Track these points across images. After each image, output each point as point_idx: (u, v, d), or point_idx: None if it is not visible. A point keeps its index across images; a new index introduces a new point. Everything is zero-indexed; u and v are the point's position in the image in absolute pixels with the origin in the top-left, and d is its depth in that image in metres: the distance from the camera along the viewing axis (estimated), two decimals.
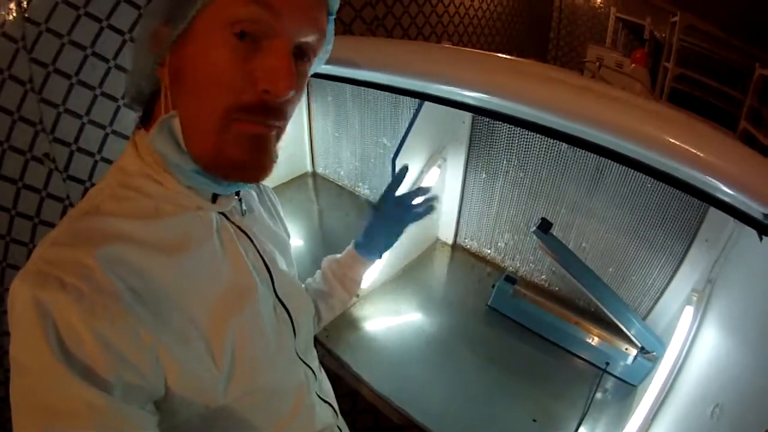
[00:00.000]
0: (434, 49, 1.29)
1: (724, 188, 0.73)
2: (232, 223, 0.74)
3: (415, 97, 1.16)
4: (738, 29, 3.66)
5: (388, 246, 1.17)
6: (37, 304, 0.49)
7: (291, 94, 0.59)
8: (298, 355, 0.86)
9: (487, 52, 1.10)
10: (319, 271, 1.18)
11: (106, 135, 1.54)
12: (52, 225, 1.53)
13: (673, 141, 0.76)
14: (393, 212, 1.13)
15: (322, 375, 1.04)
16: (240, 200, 0.77)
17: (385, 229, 1.15)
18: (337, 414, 1.02)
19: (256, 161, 0.63)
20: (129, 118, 1.47)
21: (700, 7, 3.80)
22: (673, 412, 1.04)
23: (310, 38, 0.61)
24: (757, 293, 0.89)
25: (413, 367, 1.31)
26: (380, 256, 1.19)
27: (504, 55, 1.07)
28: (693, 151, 0.75)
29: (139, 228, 0.60)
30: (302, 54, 0.63)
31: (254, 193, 0.88)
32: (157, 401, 0.59)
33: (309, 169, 2.24)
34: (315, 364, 0.97)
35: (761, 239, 0.86)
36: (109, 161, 1.57)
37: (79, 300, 0.50)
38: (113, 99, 1.52)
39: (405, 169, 1.13)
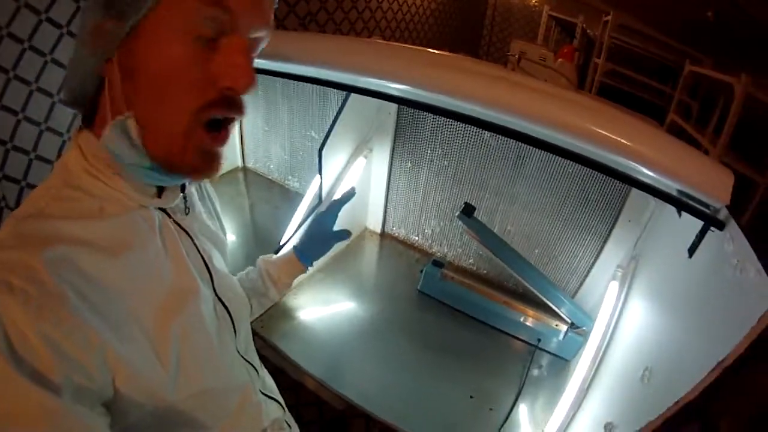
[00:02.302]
0: (359, 42, 1.32)
1: (643, 169, 0.80)
2: (174, 221, 0.73)
3: (343, 89, 1.19)
4: (671, 28, 3.83)
5: (321, 254, 1.25)
6: None
7: (252, 90, 0.61)
8: (239, 353, 0.87)
9: (410, 46, 1.14)
10: (252, 267, 1.20)
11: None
12: None
13: (588, 126, 0.82)
14: (331, 226, 1.24)
15: (264, 371, 1.04)
16: (185, 198, 0.76)
17: (322, 238, 1.23)
18: (284, 409, 1.03)
19: (212, 168, 0.65)
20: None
21: (633, 8, 3.97)
22: (606, 380, 1.10)
23: (262, 33, 0.63)
24: (676, 264, 0.96)
25: (350, 353, 1.34)
26: (312, 264, 1.24)
27: (425, 49, 1.11)
28: (607, 134, 0.81)
29: (84, 229, 0.59)
30: (253, 49, 0.64)
31: (194, 191, 0.87)
32: (107, 403, 0.58)
33: (240, 163, 2.23)
34: (256, 361, 0.97)
35: (680, 215, 0.95)
36: None
37: (26, 302, 0.50)
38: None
39: (353, 192, 1.26)
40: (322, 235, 1.23)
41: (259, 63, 1.13)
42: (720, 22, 3.23)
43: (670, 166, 0.79)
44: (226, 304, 0.82)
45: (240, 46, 0.59)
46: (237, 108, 0.63)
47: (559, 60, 3.97)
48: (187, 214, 0.77)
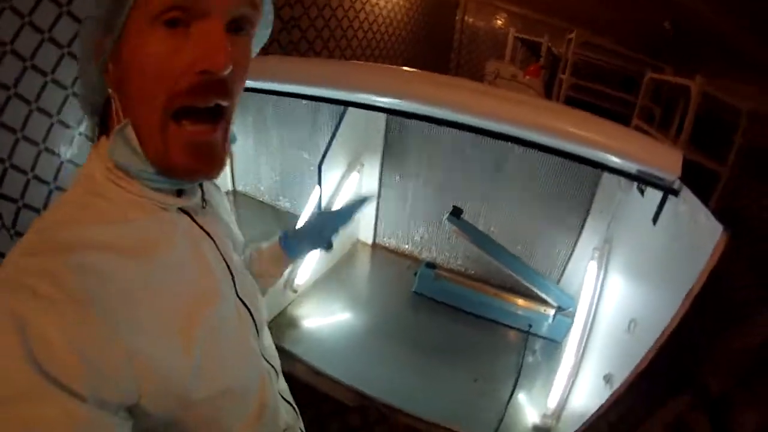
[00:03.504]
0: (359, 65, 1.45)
1: (609, 156, 0.96)
2: (196, 224, 0.73)
3: (342, 105, 1.33)
4: (632, 42, 4.03)
5: (304, 253, 1.12)
6: (9, 313, 0.49)
7: (230, 68, 0.55)
8: (262, 354, 0.86)
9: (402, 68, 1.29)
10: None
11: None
12: None
13: (563, 126, 0.99)
14: (333, 230, 1.09)
15: (281, 375, 1.01)
16: (203, 192, 0.75)
17: (315, 239, 1.08)
18: (297, 415, 1.01)
19: (207, 164, 0.63)
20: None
21: (596, 25, 4.19)
22: (601, 338, 1.24)
23: (243, 11, 0.59)
24: (643, 234, 1.14)
25: (357, 356, 1.43)
26: (296, 257, 1.10)
27: (415, 70, 1.26)
28: (578, 131, 0.97)
29: (109, 233, 0.60)
30: (238, 27, 0.60)
31: (212, 188, 0.85)
32: (131, 406, 0.58)
33: (230, 187, 2.30)
34: (277, 363, 0.94)
35: (643, 194, 1.14)
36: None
37: (52, 308, 0.50)
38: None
39: (364, 200, 1.10)
40: (317, 235, 1.07)
41: (258, 84, 1.25)
42: (677, 31, 3.45)
43: (631, 151, 0.96)
44: (248, 305, 0.82)
45: (212, 27, 0.55)
46: (218, 92, 0.59)
47: (527, 77, 4.20)
48: (204, 207, 0.75)
